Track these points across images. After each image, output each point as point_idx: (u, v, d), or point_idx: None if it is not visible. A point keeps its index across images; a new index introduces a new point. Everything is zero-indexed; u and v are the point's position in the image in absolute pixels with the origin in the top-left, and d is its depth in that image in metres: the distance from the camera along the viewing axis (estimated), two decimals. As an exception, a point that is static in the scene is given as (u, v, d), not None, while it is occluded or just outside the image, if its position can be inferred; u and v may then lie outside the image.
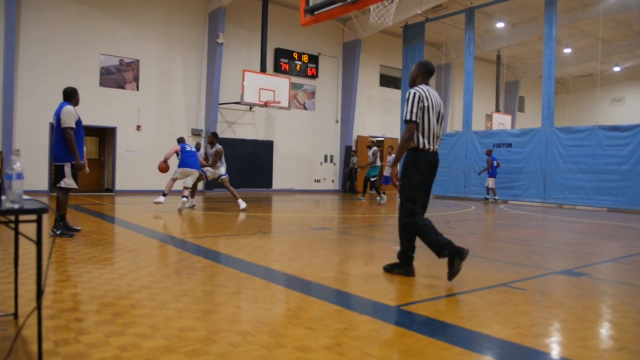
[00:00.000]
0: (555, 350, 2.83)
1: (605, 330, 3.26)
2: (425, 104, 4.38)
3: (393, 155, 15.32)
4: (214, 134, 11.62)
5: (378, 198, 14.50)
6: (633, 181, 13.48)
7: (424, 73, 4.60)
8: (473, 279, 4.57)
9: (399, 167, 4.58)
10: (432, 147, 4.45)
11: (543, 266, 5.40)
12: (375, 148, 14.77)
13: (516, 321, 3.27)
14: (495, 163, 16.33)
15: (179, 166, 10.80)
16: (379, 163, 14.73)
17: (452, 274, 4.26)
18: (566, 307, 3.69)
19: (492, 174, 16.37)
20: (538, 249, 6.63)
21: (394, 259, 4.77)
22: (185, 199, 10.55)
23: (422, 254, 5.84)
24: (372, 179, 14.68)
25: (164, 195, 10.73)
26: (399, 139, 4.37)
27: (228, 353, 2.59)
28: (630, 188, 13.54)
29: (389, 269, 4.71)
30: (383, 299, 3.78)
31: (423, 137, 4.40)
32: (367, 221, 9.84)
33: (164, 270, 4.56)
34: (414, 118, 4.34)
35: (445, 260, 4.32)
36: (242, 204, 11.06)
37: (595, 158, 14.34)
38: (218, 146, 11.40)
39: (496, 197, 16.59)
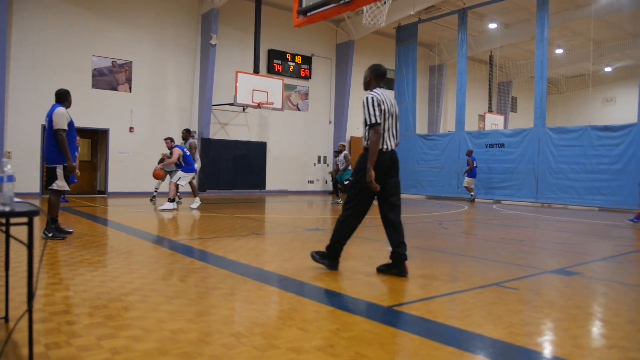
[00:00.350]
0: (547, 349, 2.84)
1: (596, 329, 3.28)
2: (383, 107, 4.56)
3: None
4: (187, 130, 12.33)
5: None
6: (624, 181, 13.58)
7: (377, 76, 4.76)
8: (465, 278, 4.58)
9: (380, 169, 4.62)
10: (388, 147, 4.62)
11: (535, 266, 5.43)
12: (346, 152, 14.82)
13: (508, 320, 3.28)
14: (475, 163, 16.62)
15: (188, 171, 11.06)
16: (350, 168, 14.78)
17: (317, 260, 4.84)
18: (558, 306, 3.71)
19: (472, 174, 16.68)
20: (530, 249, 6.66)
21: (385, 259, 4.78)
22: (173, 203, 10.93)
23: (415, 255, 5.85)
24: (345, 183, 14.62)
25: (172, 201, 10.85)
26: (369, 143, 4.55)
27: (221, 355, 2.58)
28: (622, 187, 13.63)
29: (383, 270, 4.73)
30: (376, 299, 3.78)
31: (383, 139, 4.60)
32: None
33: (157, 273, 4.54)
34: (378, 120, 4.51)
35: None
36: (197, 204, 11.42)
37: (587, 158, 14.43)
38: (191, 140, 11.68)
39: (472, 194, 16.95)
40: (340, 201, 15.46)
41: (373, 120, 4.50)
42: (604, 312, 3.65)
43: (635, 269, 5.33)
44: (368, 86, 4.82)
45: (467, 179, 16.81)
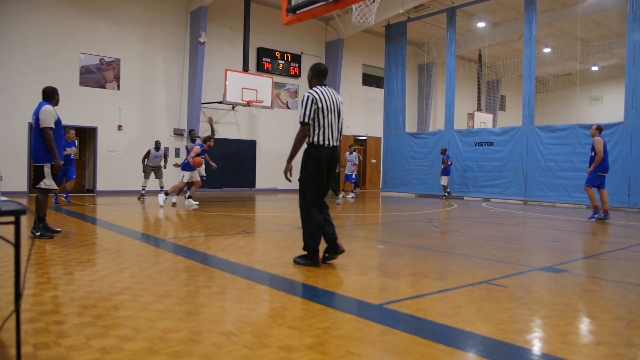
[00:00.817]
0: (536, 346, 2.87)
1: (585, 326, 3.31)
2: (320, 105, 4.74)
3: (355, 153, 15.59)
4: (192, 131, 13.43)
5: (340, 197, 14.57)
6: (611, 179, 13.67)
7: (318, 75, 4.95)
8: (455, 276, 4.60)
9: (322, 163, 4.85)
10: (329, 143, 4.83)
11: (524, 263, 5.47)
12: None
13: (498, 318, 3.30)
14: (449, 162, 16.95)
15: (192, 169, 11.59)
16: None
17: (299, 261, 4.95)
18: (547, 303, 3.74)
19: (446, 173, 17.04)
20: (519, 247, 6.71)
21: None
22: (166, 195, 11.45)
23: (405, 253, 5.88)
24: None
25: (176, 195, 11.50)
26: (295, 140, 4.80)
27: (212, 354, 2.57)
28: (609, 185, 13.62)
29: (298, 261, 4.98)
30: (366, 297, 3.79)
31: (320, 134, 4.78)
32: (350, 220, 9.87)
33: (147, 272, 4.51)
34: (306, 120, 4.73)
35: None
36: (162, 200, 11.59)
37: (575, 156, 14.55)
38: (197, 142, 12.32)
39: (448, 192, 17.31)
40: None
41: (301, 119, 4.76)
42: (592, 309, 3.68)
43: (622, 266, 5.39)
44: (310, 85, 4.99)
45: (442, 177, 17.20)
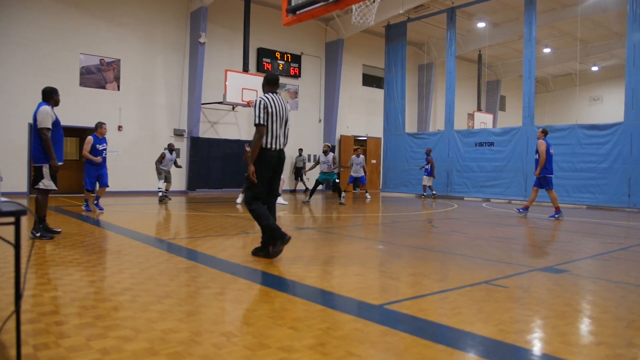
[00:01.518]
0: (536, 347, 2.86)
1: (585, 326, 3.31)
2: (270, 110, 5.16)
3: (362, 156, 15.57)
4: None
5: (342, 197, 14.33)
6: (611, 179, 13.72)
7: (268, 83, 5.40)
8: (455, 277, 4.60)
9: (268, 165, 5.27)
10: (275, 147, 5.26)
11: (524, 263, 5.47)
12: (333, 154, 14.97)
13: (498, 318, 3.30)
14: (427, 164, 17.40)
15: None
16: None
17: (274, 253, 5.16)
18: (547, 303, 3.74)
19: (429, 173, 17.36)
20: (519, 247, 6.71)
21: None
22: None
23: (406, 253, 5.88)
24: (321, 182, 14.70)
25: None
26: (252, 141, 5.11)
27: (212, 354, 2.57)
28: (609, 186, 13.78)
29: (255, 252, 5.38)
30: (366, 298, 3.79)
31: (267, 138, 5.19)
32: (350, 221, 9.86)
33: (147, 272, 4.51)
34: (261, 122, 5.12)
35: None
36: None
37: (574, 156, 14.55)
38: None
39: (434, 192, 17.61)
40: (309, 200, 15.02)
41: (257, 121, 5.12)
42: (592, 309, 3.68)
43: (622, 266, 5.38)
44: (263, 91, 5.42)
45: (425, 177, 17.49)
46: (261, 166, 5.22)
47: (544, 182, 10.48)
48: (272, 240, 5.16)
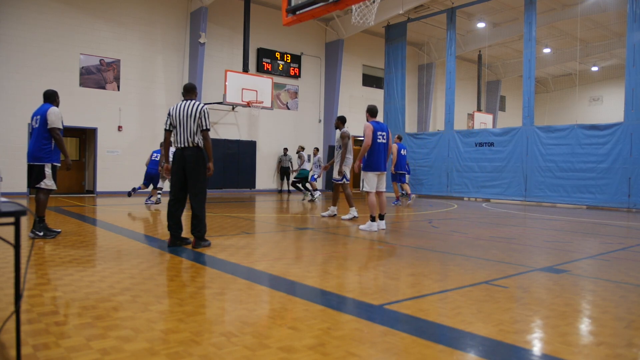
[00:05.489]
0: (536, 347, 2.86)
1: (585, 326, 3.31)
2: (172, 114, 5.91)
3: (318, 156, 15.78)
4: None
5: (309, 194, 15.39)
6: (611, 179, 13.73)
7: (183, 91, 6.07)
8: (456, 277, 4.60)
9: (173, 163, 6.01)
10: (179, 145, 5.90)
11: (524, 264, 5.47)
12: (302, 152, 17.13)
13: (498, 318, 3.30)
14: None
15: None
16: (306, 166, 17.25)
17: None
18: (547, 303, 3.73)
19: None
20: (519, 247, 6.71)
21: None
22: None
23: (406, 253, 5.87)
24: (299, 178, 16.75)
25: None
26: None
27: (212, 354, 2.57)
28: (609, 186, 13.78)
29: (175, 242, 6.04)
30: (366, 298, 3.79)
31: (174, 140, 5.97)
32: (350, 220, 9.86)
33: (147, 272, 4.51)
34: (166, 127, 5.97)
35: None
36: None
37: (574, 156, 14.56)
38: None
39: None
40: (310, 197, 15.28)
41: (165, 127, 6.02)
42: (592, 309, 3.68)
43: (622, 266, 5.38)
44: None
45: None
46: (172, 166, 6.01)
47: (396, 177, 13.99)
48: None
